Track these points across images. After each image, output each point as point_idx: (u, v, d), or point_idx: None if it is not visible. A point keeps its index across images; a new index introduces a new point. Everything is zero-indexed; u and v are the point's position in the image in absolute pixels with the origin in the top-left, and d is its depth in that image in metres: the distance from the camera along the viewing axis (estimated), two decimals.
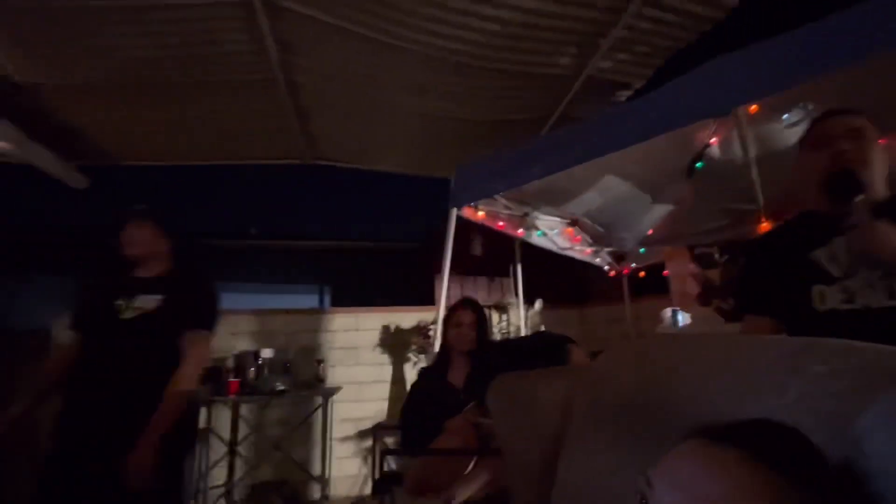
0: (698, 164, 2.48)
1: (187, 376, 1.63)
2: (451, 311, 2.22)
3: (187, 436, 1.78)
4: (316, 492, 3.48)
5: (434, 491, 1.66)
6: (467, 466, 1.71)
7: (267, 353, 3.41)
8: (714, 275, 3.19)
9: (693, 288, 3.27)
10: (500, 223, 3.08)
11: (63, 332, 1.81)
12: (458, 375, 2.09)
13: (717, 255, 3.18)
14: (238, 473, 3.41)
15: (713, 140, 2.33)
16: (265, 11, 2.33)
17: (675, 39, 2.69)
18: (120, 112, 3.11)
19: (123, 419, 1.53)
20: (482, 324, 2.18)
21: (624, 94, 3.12)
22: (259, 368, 3.35)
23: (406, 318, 3.92)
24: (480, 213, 2.90)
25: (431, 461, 1.82)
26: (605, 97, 3.13)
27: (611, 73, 2.93)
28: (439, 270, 2.71)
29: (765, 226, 2.55)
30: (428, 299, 4.53)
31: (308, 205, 7.61)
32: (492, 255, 4.13)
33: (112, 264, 1.75)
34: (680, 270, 3.41)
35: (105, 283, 1.74)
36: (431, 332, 3.04)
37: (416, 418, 2.05)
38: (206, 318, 1.74)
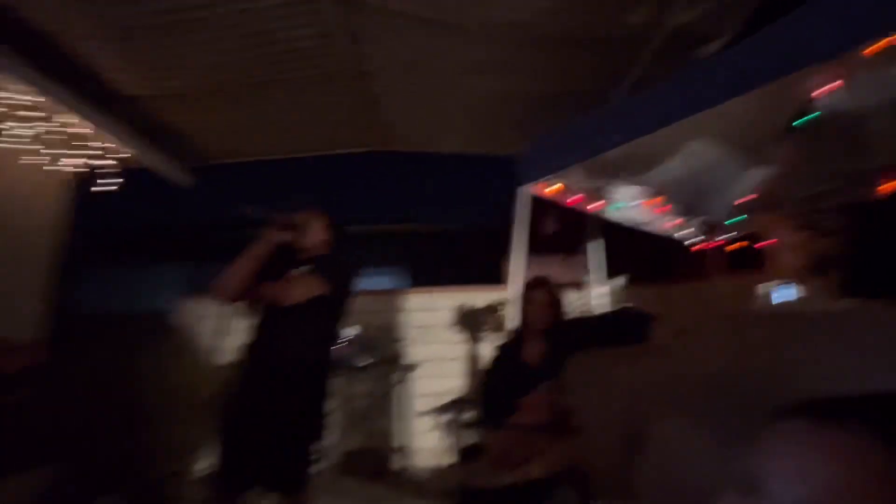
0: (802, 120, 2.19)
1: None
2: (526, 289, 2.21)
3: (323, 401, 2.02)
4: (399, 461, 3.69)
5: (512, 466, 1.69)
6: (544, 443, 1.71)
7: (352, 330, 3.65)
8: (823, 245, 2.84)
9: (797, 261, 2.94)
10: (574, 198, 2.97)
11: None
12: (533, 353, 2.09)
13: (826, 223, 2.82)
14: (328, 442, 3.70)
15: (821, 90, 2.04)
16: (332, 4, 2.40)
17: None
18: (214, 114, 3.42)
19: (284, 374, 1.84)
20: (557, 302, 2.15)
21: (708, 50, 2.82)
22: (345, 345, 3.59)
23: (479, 297, 3.96)
24: (552, 189, 2.81)
25: (508, 437, 1.85)
26: (686, 56, 2.85)
27: (692, 25, 2.65)
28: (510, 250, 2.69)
29: (889, 186, 2.20)
30: (500, 279, 4.51)
31: (384, 190, 7.93)
32: (566, 232, 4.00)
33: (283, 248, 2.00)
34: (780, 241, 3.07)
35: (275, 261, 1.99)
36: (503, 311, 3.04)
37: (492, 395, 2.08)
38: (329, 273, 1.90)
